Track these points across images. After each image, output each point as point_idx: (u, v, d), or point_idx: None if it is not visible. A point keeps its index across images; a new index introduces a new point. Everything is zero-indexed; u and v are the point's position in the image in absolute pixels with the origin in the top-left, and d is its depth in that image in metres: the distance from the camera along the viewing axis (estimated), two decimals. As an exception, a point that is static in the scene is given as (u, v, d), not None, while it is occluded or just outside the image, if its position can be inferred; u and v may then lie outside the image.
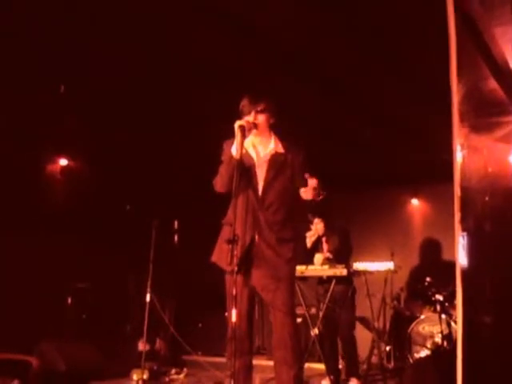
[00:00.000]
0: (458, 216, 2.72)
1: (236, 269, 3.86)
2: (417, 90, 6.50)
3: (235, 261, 3.84)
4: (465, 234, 2.85)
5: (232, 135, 4.18)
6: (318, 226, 7.02)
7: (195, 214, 7.86)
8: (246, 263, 4.16)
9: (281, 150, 4.37)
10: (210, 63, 5.92)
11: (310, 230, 7.02)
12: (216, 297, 9.38)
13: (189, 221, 7.61)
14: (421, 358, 7.07)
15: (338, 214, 7.38)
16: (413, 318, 7.70)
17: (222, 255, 4.22)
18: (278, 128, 4.42)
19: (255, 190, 4.28)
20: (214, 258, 4.40)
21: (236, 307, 3.88)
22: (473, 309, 2.68)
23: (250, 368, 4.32)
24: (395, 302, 8.14)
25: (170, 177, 8.00)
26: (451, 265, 8.47)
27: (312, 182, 4.08)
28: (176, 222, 6.97)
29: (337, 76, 6.23)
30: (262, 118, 4.28)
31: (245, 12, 4.97)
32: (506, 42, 3.70)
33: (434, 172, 8.59)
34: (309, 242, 6.96)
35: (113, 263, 7.64)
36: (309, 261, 6.84)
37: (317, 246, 7.04)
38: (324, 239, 7.05)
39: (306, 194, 4.17)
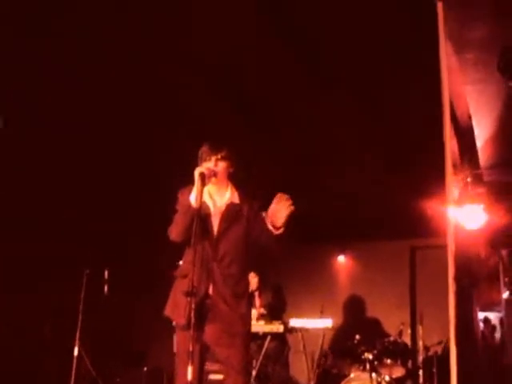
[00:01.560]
0: (451, 272, 2.67)
1: (193, 322, 3.67)
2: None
3: (193, 314, 3.68)
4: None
5: (188, 183, 4.07)
6: (252, 281, 6.90)
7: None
8: (200, 318, 3.98)
9: (236, 200, 4.29)
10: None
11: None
12: (133, 351, 9.10)
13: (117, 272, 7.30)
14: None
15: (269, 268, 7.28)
16: (341, 376, 7.60)
17: (177, 309, 4.06)
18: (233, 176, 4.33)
19: (210, 240, 4.14)
20: (168, 312, 4.23)
21: (191, 364, 3.66)
22: (466, 364, 2.62)
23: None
24: (323, 360, 8.03)
25: (101, 225, 7.72)
26: (377, 322, 8.54)
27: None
28: (106, 272, 6.69)
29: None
30: (222, 166, 4.19)
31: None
32: (475, 99, 3.76)
33: (360, 229, 8.71)
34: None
35: (30, 309, 7.17)
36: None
37: (249, 301, 6.90)
38: (257, 294, 6.94)
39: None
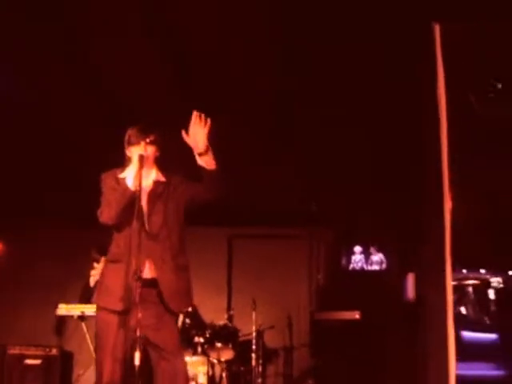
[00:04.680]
0: (449, 267, 2.95)
1: (138, 306, 3.65)
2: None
3: (137, 298, 3.66)
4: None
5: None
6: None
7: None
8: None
9: (162, 178, 4.27)
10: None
11: (93, 268, 6.73)
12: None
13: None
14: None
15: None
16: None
17: (109, 295, 3.99)
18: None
19: (142, 222, 4.05)
20: (99, 300, 4.09)
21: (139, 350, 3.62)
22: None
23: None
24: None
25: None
26: (199, 307, 8.72)
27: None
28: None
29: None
30: (150, 150, 4.14)
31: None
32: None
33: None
34: (92, 281, 6.66)
35: None
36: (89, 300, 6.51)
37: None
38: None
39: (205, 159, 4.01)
